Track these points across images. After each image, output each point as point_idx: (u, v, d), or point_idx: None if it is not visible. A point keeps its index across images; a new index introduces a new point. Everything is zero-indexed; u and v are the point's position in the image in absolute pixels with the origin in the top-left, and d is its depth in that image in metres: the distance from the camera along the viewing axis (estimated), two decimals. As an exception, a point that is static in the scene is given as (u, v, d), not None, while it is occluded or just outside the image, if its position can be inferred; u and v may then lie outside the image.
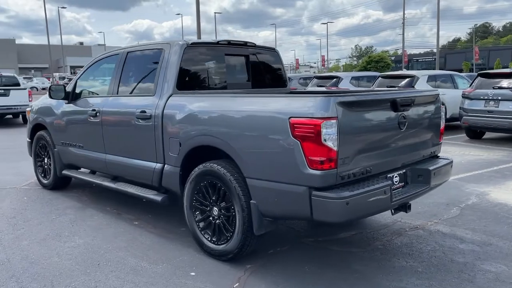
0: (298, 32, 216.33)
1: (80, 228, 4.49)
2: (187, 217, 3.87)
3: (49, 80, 49.68)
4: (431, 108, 3.93)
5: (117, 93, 4.74)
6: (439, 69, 38.45)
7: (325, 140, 2.90)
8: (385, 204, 3.23)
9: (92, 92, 5.32)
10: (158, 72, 4.22)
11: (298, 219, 4.14)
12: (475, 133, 10.56)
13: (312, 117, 2.93)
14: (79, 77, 5.44)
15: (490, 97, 9.56)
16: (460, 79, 12.72)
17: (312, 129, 2.91)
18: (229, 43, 4.62)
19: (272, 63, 5.12)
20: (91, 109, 4.93)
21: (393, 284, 3.23)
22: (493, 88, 9.61)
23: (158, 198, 4.19)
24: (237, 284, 3.25)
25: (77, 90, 5.36)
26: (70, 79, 39.27)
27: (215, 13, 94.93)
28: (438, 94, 4.07)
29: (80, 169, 5.71)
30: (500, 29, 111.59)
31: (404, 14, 49.51)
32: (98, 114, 4.81)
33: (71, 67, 70.01)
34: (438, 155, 4.16)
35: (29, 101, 13.67)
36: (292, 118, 3.02)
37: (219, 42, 4.54)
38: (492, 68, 46.04)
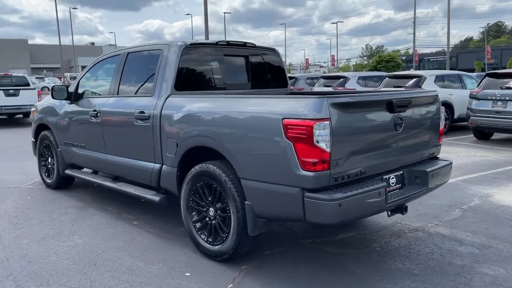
0: (309, 32, 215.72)
1: (80, 227, 4.53)
2: (184, 217, 3.88)
3: (60, 80, 50.14)
4: (430, 109, 3.89)
5: (117, 94, 4.77)
6: (451, 69, 38.10)
7: (317, 141, 2.88)
8: (379, 206, 3.21)
9: (94, 93, 5.36)
10: (157, 73, 4.24)
11: (291, 221, 4.12)
12: (483, 134, 10.44)
13: (305, 118, 2.91)
14: (81, 78, 5.49)
15: (498, 98, 9.44)
16: (468, 79, 12.56)
17: (304, 130, 2.90)
18: (229, 43, 4.62)
19: (272, 64, 5.10)
20: (92, 109, 4.97)
21: (388, 286, 3.20)
22: (501, 88, 9.49)
23: (156, 198, 4.20)
24: (231, 285, 3.25)
25: (80, 91, 5.41)
26: (81, 79, 39.47)
27: (224, 13, 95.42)
28: (437, 95, 4.02)
29: (82, 169, 5.77)
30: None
31: (415, 13, 48.96)
32: (98, 114, 4.85)
33: (82, 67, 70.55)
34: (438, 156, 4.11)
35: (38, 101, 13.83)
36: (285, 119, 3.01)
37: (218, 43, 4.54)
38: (505, 68, 45.42)
